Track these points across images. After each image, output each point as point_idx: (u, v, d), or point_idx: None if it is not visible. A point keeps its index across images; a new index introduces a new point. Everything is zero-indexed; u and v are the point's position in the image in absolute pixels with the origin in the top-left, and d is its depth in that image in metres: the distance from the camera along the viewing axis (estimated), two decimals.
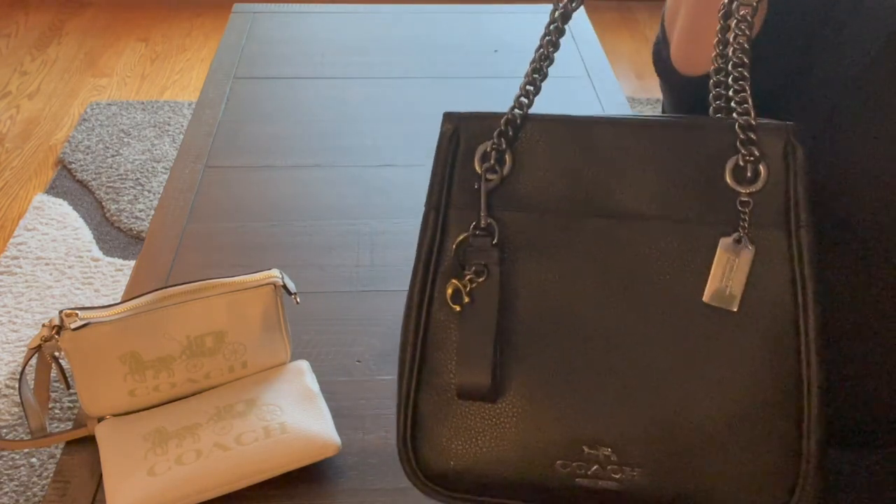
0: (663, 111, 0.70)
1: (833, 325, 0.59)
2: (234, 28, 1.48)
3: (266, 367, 0.80)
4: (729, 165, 0.48)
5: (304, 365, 0.81)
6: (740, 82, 0.48)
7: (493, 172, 0.51)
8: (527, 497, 0.49)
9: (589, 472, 0.47)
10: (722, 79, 0.49)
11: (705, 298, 0.47)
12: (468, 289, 0.49)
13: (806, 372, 0.46)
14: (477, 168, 0.51)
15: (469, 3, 1.55)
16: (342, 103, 1.28)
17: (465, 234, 0.50)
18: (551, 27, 0.52)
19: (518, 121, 0.50)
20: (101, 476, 0.72)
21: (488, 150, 0.51)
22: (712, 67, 0.50)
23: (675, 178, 0.48)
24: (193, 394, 0.78)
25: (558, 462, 0.48)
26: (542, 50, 0.52)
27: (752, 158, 0.47)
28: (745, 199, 0.47)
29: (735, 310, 0.46)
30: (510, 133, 0.50)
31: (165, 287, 0.76)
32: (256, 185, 1.10)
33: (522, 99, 0.51)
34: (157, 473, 0.70)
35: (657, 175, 0.48)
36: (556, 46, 0.52)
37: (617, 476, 0.47)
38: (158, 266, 0.96)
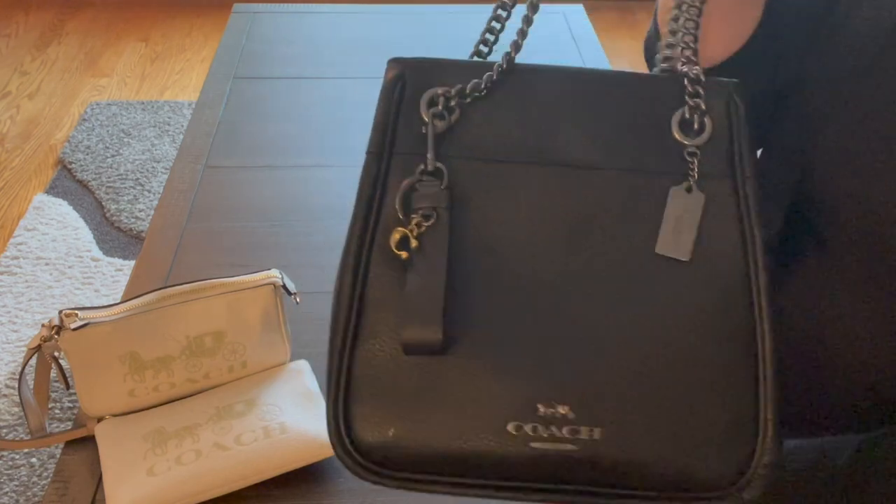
0: None
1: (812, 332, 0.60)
2: (234, 28, 1.48)
3: (266, 367, 0.80)
4: (675, 118, 0.48)
5: (303, 365, 0.81)
6: (687, 37, 0.49)
7: (440, 119, 0.49)
8: (476, 472, 0.45)
9: (546, 434, 0.43)
10: (672, 41, 0.50)
11: (658, 249, 0.46)
12: (415, 233, 0.45)
13: (759, 326, 0.45)
14: (423, 115, 0.49)
15: (469, 3, 1.55)
16: (342, 103, 1.28)
17: (411, 180, 0.47)
18: None
19: (483, 86, 0.49)
20: (100, 476, 0.72)
21: (437, 96, 0.49)
22: (666, 28, 0.51)
23: (623, 129, 0.48)
24: (193, 394, 0.78)
25: (510, 424, 0.43)
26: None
27: (699, 111, 0.48)
28: (693, 150, 0.48)
29: (687, 259, 0.46)
30: (466, 90, 0.49)
31: (165, 287, 0.76)
32: (256, 185, 1.10)
33: (482, 47, 0.51)
34: (156, 473, 0.70)
35: (606, 125, 0.48)
36: None
37: (576, 437, 0.43)
38: (158, 266, 0.96)
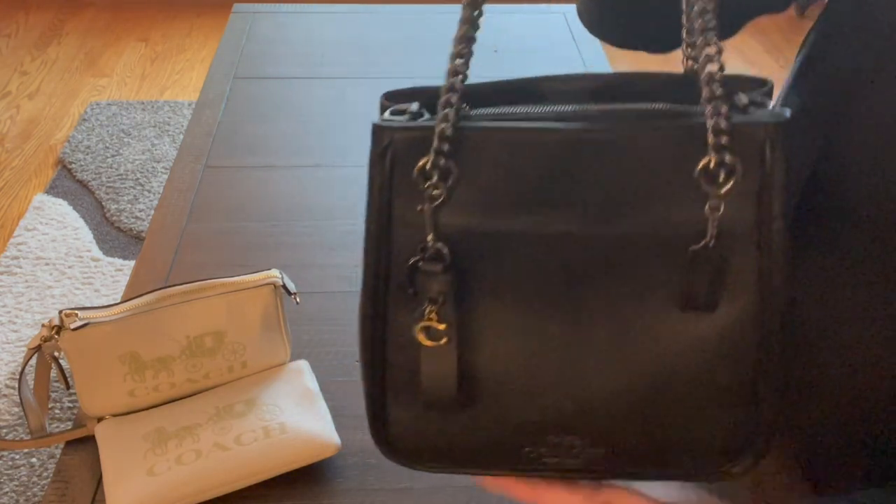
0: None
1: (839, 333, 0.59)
2: (234, 28, 1.48)
3: (266, 367, 0.80)
4: (700, 165, 0.43)
5: (303, 365, 0.81)
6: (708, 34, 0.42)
7: (436, 189, 0.45)
8: (498, 471, 0.51)
9: (555, 457, 0.49)
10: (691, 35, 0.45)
11: (683, 307, 0.45)
12: (434, 319, 0.46)
13: (763, 374, 0.45)
14: (420, 185, 0.45)
15: None
16: (342, 103, 1.28)
17: (415, 259, 0.46)
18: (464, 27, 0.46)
19: (450, 132, 0.44)
20: (100, 476, 0.72)
21: (428, 166, 0.44)
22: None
23: (636, 180, 0.44)
24: (193, 394, 0.78)
25: (525, 449, 0.49)
26: (458, 47, 0.46)
27: (724, 164, 0.42)
28: (715, 202, 0.43)
29: (713, 312, 0.44)
30: (446, 147, 0.44)
31: (165, 287, 0.76)
32: (256, 185, 1.10)
33: (448, 111, 0.44)
34: (156, 473, 0.70)
35: (617, 177, 0.44)
36: (469, 42, 0.46)
37: (581, 457, 0.49)
38: (158, 266, 0.96)
